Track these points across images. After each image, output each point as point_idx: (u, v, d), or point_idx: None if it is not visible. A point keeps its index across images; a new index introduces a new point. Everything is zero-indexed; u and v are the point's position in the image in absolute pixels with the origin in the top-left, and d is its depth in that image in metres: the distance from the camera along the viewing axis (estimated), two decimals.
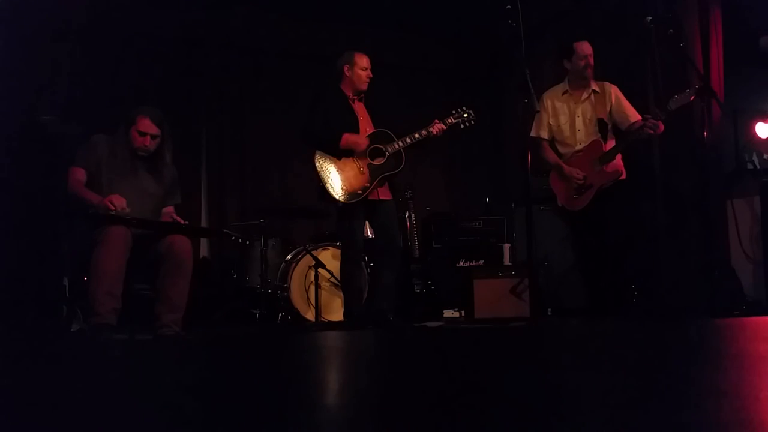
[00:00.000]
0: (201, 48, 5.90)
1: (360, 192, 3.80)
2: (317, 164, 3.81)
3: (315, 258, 4.68)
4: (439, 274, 5.25)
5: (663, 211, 4.39)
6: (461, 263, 5.35)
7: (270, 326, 4.65)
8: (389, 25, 6.21)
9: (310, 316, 4.68)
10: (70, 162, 3.36)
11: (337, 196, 3.77)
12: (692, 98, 3.73)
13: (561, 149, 4.14)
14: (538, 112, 3.84)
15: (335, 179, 3.80)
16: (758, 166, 4.78)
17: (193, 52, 5.88)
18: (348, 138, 3.80)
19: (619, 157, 3.96)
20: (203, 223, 5.78)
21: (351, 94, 3.97)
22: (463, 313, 4.97)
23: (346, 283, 3.94)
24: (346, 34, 5.93)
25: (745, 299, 4.07)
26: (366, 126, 3.94)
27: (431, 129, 3.92)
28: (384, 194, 3.93)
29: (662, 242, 4.38)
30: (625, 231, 3.96)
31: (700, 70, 4.26)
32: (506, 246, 5.27)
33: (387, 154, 3.87)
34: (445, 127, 3.96)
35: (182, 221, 3.55)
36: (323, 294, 4.73)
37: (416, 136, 3.89)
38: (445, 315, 5.00)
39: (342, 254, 4.03)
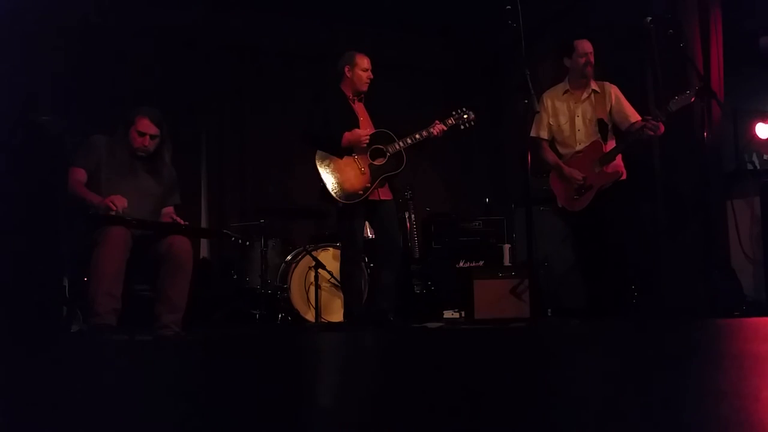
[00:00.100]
0: (201, 48, 5.90)
1: (361, 192, 3.80)
2: (318, 164, 3.81)
3: (315, 259, 4.68)
4: (439, 274, 5.24)
5: (663, 212, 4.40)
6: (461, 264, 5.34)
7: (270, 327, 4.65)
8: (389, 25, 6.21)
9: (310, 316, 4.68)
10: (70, 162, 3.36)
11: (337, 197, 3.77)
12: (692, 99, 3.72)
13: (561, 149, 4.13)
14: (538, 112, 3.84)
15: (336, 179, 3.79)
16: (758, 167, 4.78)
17: (193, 52, 5.87)
18: (348, 135, 3.80)
19: (619, 157, 3.96)
20: (203, 224, 5.78)
21: (351, 95, 3.97)
22: (463, 314, 4.97)
23: (346, 283, 3.93)
24: (346, 34, 5.92)
25: (745, 300, 4.06)
26: (366, 126, 3.94)
27: (432, 130, 3.92)
28: (384, 194, 3.93)
29: (662, 242, 4.39)
30: (625, 231, 3.96)
31: (700, 70, 4.25)
32: (506, 246, 5.27)
33: (388, 154, 3.87)
34: (445, 128, 3.96)
35: (182, 222, 3.55)
36: (323, 295, 4.73)
37: (417, 136, 3.89)
38: (445, 316, 4.99)
39: (342, 254, 4.03)
